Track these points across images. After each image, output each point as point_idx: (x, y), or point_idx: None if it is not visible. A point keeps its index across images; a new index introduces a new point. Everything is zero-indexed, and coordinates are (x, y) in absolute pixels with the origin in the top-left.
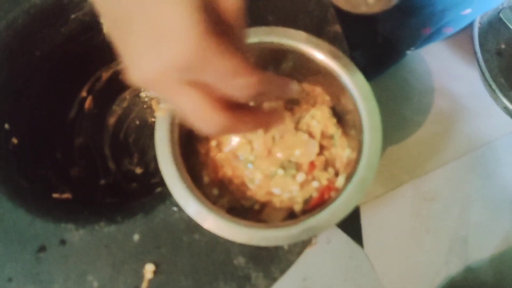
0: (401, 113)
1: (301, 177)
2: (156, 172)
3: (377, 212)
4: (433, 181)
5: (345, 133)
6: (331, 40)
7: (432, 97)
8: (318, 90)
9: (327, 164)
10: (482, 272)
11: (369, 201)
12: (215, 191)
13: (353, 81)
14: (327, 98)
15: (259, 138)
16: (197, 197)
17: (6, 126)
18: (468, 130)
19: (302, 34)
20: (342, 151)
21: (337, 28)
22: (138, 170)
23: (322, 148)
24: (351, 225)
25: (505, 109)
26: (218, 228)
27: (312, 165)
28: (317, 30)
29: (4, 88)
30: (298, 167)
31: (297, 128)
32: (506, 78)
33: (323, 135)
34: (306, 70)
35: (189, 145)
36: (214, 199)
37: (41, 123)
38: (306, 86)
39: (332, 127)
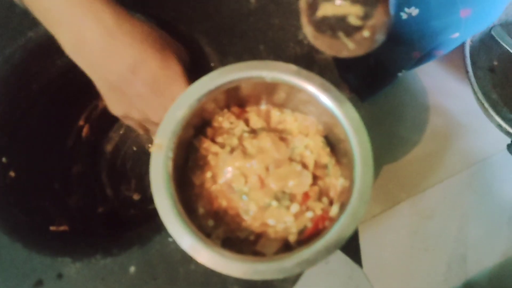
0: (397, 132)
1: (295, 208)
2: None
3: (375, 232)
4: (430, 198)
5: (339, 162)
6: (322, 68)
7: (427, 115)
8: (310, 119)
9: (321, 194)
10: None
11: (367, 221)
12: (211, 222)
13: (344, 114)
14: (320, 127)
15: (253, 169)
16: (191, 231)
17: (4, 159)
18: (463, 147)
19: (292, 67)
20: (336, 180)
21: (328, 56)
22: (136, 197)
23: (316, 178)
24: (350, 245)
25: (499, 126)
26: (212, 263)
27: (306, 195)
28: (307, 58)
29: (1, 122)
30: (292, 198)
31: (290, 158)
32: (499, 94)
33: (317, 165)
34: (298, 100)
35: (184, 177)
36: (210, 230)
37: (39, 154)
38: (299, 115)
39: (325, 157)
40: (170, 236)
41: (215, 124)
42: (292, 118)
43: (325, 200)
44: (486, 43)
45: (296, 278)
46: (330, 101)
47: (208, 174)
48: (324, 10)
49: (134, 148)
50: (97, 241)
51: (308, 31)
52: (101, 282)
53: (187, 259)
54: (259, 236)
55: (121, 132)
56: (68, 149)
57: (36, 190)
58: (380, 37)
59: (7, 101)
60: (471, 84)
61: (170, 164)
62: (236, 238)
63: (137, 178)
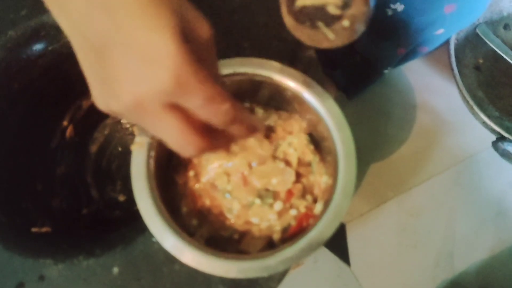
0: (384, 130)
1: (278, 205)
2: None
3: (363, 230)
4: (418, 196)
5: (323, 159)
6: (306, 65)
7: (414, 113)
8: (295, 117)
9: (305, 192)
10: (469, 285)
11: (355, 219)
12: (194, 221)
13: (326, 110)
14: (304, 125)
15: (236, 167)
16: (174, 231)
17: None
18: (450, 144)
19: (275, 64)
20: (320, 178)
21: (312, 53)
22: (121, 198)
23: (299, 175)
24: (338, 244)
25: (484, 124)
26: (195, 262)
27: (289, 193)
28: (291, 56)
29: None
30: (275, 195)
31: (274, 156)
32: (485, 92)
33: (300, 162)
34: (282, 98)
35: (167, 176)
36: (193, 229)
37: (21, 155)
38: (283, 113)
39: (309, 154)
40: (154, 236)
41: None
42: (276, 116)
43: (309, 197)
44: (471, 41)
45: (281, 276)
46: (313, 98)
47: (191, 173)
48: (303, 0)
49: (120, 149)
50: (80, 242)
51: (287, 21)
52: (83, 283)
53: (171, 259)
54: (243, 234)
55: (106, 132)
56: (52, 150)
57: (17, 191)
58: (360, 27)
59: None
60: (456, 82)
61: (152, 163)
62: (220, 237)
63: (122, 179)
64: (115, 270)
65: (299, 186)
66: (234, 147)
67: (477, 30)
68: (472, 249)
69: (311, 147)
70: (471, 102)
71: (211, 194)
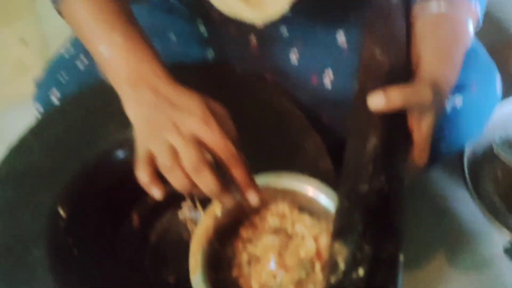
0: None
1: (318, 266)
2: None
3: None
4: None
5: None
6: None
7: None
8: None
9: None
10: None
11: None
12: None
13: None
14: (288, 201)
15: (274, 262)
16: None
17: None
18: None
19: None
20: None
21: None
22: (171, 280)
23: (316, 238)
24: None
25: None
26: None
27: (318, 253)
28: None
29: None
30: (311, 261)
31: (289, 236)
32: (503, 201)
33: (307, 226)
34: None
35: None
36: None
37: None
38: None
39: (298, 216)
40: None
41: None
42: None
43: None
44: (489, 157)
45: None
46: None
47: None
48: None
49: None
50: None
51: None
52: None
53: None
54: None
55: (165, 223)
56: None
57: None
58: None
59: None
60: (469, 192)
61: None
62: None
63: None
64: None
65: (321, 245)
66: (259, 253)
67: (495, 151)
68: None
69: (296, 211)
70: (487, 214)
71: None
